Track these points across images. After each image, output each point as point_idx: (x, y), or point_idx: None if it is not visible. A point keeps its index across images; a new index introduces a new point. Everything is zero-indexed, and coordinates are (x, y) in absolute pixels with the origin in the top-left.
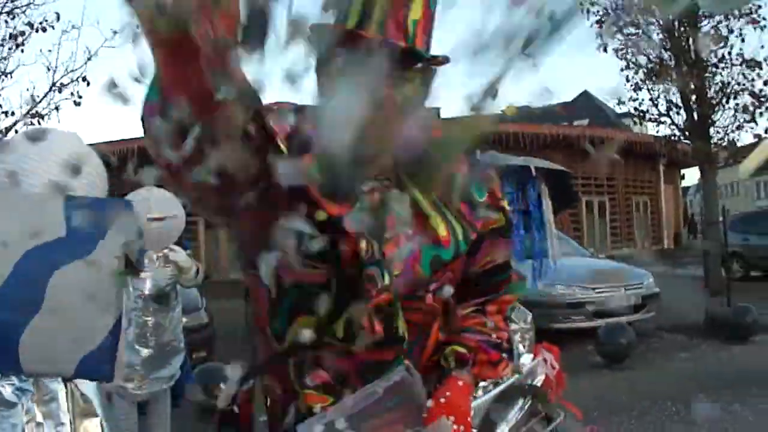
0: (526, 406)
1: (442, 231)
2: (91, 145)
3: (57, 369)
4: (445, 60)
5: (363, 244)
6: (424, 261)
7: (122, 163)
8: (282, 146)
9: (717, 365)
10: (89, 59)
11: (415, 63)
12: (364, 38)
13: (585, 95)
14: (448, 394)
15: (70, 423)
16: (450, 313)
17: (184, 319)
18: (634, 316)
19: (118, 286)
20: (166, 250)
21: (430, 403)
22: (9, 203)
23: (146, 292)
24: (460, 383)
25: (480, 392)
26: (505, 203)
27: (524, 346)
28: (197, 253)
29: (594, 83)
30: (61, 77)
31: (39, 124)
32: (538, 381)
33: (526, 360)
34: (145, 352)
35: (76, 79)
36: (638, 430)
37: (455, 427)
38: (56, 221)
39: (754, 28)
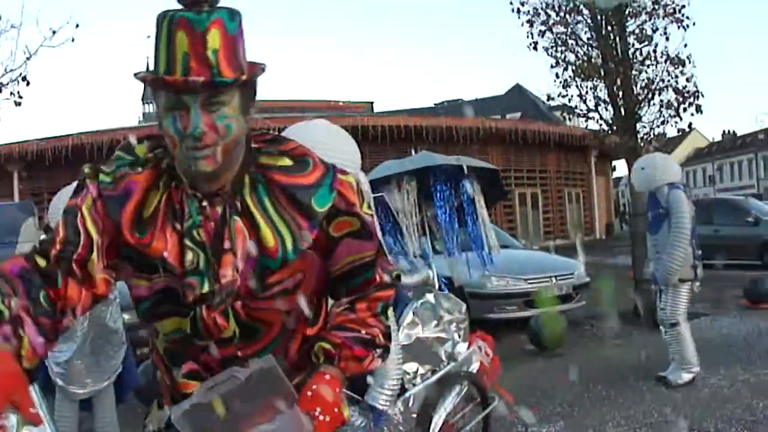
0: (463, 392)
1: (270, 242)
2: (24, 142)
3: None
4: (262, 69)
5: (189, 256)
6: (256, 269)
7: (56, 158)
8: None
9: (646, 351)
10: (29, 59)
11: (225, 88)
12: (169, 82)
13: (517, 88)
14: (314, 387)
15: None
16: (320, 310)
17: (126, 316)
18: (565, 306)
19: None
20: None
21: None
22: None
23: None
24: (327, 377)
25: (418, 380)
26: (361, 207)
27: (459, 336)
28: None
29: (526, 77)
30: (1, 77)
31: None
32: (474, 368)
33: (461, 349)
34: (83, 348)
35: (16, 79)
36: (571, 414)
37: (321, 417)
38: None
39: (678, 27)
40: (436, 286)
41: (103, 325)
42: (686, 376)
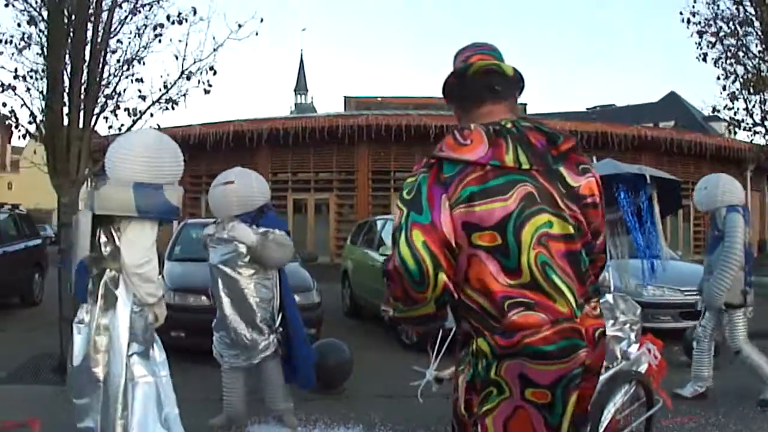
0: (631, 391)
1: None
2: (188, 126)
3: None
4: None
5: None
6: None
7: (217, 143)
8: None
9: None
10: (215, 50)
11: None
12: None
13: (672, 96)
14: None
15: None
16: None
17: (297, 298)
18: None
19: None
20: (229, 226)
21: None
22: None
23: (217, 263)
24: None
25: None
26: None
27: (634, 336)
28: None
29: (682, 84)
30: (190, 66)
31: (172, 109)
32: (643, 369)
33: (633, 349)
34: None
35: (204, 68)
36: (726, 426)
37: None
38: (129, 204)
39: None
40: (611, 288)
41: (241, 304)
42: None
